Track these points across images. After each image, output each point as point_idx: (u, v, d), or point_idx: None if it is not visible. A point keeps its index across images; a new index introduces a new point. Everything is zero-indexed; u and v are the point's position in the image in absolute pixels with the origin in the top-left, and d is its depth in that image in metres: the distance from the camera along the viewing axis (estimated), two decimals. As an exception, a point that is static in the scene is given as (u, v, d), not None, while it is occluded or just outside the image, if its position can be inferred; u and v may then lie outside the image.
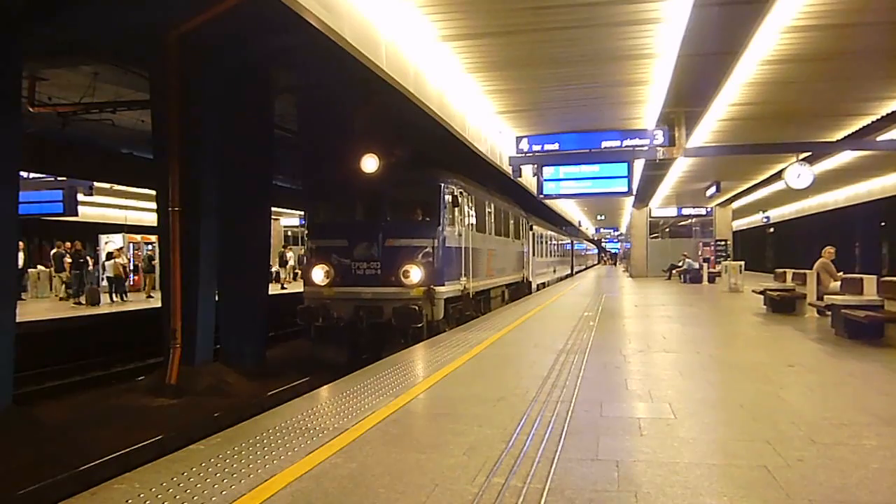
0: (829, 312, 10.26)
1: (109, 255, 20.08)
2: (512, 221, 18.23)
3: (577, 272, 43.23)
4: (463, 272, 12.16)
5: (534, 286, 22.47)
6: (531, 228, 21.95)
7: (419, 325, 10.55)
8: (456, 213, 11.94)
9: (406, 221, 11.68)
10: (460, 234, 12.13)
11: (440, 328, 10.95)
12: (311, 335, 11.23)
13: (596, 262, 72.08)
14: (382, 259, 11.03)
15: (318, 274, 11.32)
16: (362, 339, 11.10)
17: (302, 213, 27.17)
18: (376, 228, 11.29)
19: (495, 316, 13.66)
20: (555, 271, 30.65)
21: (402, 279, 10.91)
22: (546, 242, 27.06)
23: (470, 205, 13.11)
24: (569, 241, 39.59)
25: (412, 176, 11.99)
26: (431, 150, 14.18)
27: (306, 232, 12.93)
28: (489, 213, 14.98)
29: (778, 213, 40.98)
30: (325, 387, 6.36)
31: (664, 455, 4.07)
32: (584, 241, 58.38)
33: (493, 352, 8.51)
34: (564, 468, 3.83)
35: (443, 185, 11.59)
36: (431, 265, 11.06)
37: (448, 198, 11.57)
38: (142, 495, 3.48)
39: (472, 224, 13.11)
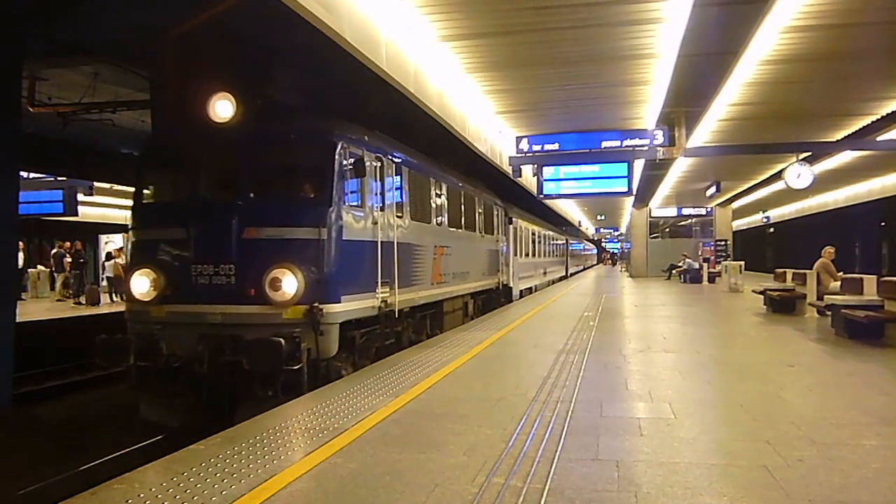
0: (829, 312, 10.26)
1: (109, 256, 20.09)
2: (481, 211, 14.38)
3: (572, 274, 41.06)
4: (380, 280, 7.97)
5: (515, 293, 18.73)
6: (511, 222, 18.28)
7: (295, 367, 6.50)
8: (366, 189, 7.80)
9: (278, 200, 7.53)
10: (375, 222, 7.93)
11: (335, 371, 7.10)
12: (131, 378, 7.05)
13: (595, 263, 71.67)
14: (239, 259, 6.85)
15: (140, 284, 7.09)
16: (212, 386, 6.78)
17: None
18: (230, 211, 7.00)
19: (491, 318, 13.65)
20: (545, 273, 27.21)
21: (269, 292, 6.71)
22: (534, 240, 23.51)
23: (397, 178, 9.04)
24: (563, 240, 36.30)
25: (289, 128, 7.57)
26: (385, 114, 10.75)
27: (129, 221, 8.22)
28: (438, 195, 11.00)
29: (778, 213, 40.98)
30: (325, 387, 6.37)
31: (664, 455, 4.08)
32: (582, 240, 56.98)
33: (493, 352, 8.52)
34: (564, 468, 3.83)
35: (340, 142, 7.37)
36: (318, 269, 6.91)
37: (347, 163, 7.42)
38: (142, 495, 3.48)
39: (401, 208, 9.08)
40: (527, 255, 21.88)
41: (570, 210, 36.79)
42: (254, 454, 4.15)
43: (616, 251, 75.65)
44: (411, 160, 9.73)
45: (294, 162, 7.76)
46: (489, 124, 14.31)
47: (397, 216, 8.82)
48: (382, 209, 8.30)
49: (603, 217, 43.55)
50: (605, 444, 4.31)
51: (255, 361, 6.48)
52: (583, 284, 28.64)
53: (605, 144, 14.60)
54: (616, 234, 65.55)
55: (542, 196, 15.94)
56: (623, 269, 48.82)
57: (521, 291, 19.98)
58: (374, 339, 8.26)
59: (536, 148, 14.83)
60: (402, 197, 9.20)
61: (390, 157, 8.73)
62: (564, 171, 15.40)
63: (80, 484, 5.11)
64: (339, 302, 7.09)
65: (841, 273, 12.02)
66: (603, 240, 79.16)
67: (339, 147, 7.37)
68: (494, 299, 16.25)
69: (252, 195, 7.33)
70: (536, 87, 11.75)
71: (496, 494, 3.43)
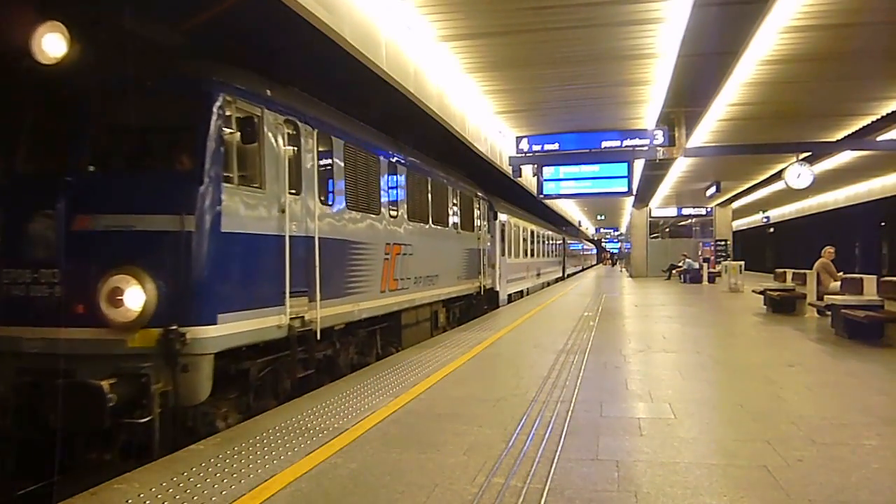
0: (829, 312, 10.26)
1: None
2: (456, 203, 12.21)
3: (570, 275, 38.98)
4: (289, 289, 5.85)
5: (503, 297, 16.56)
6: (496, 217, 15.95)
7: (141, 421, 4.61)
8: (265, 162, 5.69)
9: (124, 175, 5.40)
10: (282, 210, 5.83)
11: (207, 423, 5.14)
12: None
13: (594, 263, 71.20)
14: (66, 261, 4.87)
15: None
16: (30, 446, 4.77)
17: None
18: (54, 192, 4.95)
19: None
20: (538, 275, 24.92)
21: (106, 309, 4.73)
22: (525, 238, 21.36)
23: (322, 152, 6.75)
24: (559, 239, 33.74)
25: (146, 72, 5.21)
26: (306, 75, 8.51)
27: None
28: (394, 180, 8.87)
29: (778, 213, 40.99)
30: (325, 387, 6.36)
31: (664, 455, 4.07)
32: (581, 240, 55.55)
33: (493, 352, 8.52)
34: (564, 468, 3.83)
35: (219, 94, 5.28)
36: (180, 275, 4.90)
37: (232, 123, 5.35)
38: (142, 495, 3.48)
39: (329, 192, 6.93)
40: (517, 255, 19.73)
41: (570, 210, 36.79)
42: (254, 454, 4.15)
43: (616, 251, 75.60)
44: (349, 131, 7.48)
45: (151, 120, 5.42)
46: (489, 124, 14.31)
47: (323, 203, 6.54)
48: (297, 193, 6.09)
49: (603, 217, 43.55)
50: (605, 444, 4.31)
51: (65, 416, 4.36)
52: (582, 285, 28.63)
53: (605, 144, 14.62)
54: (616, 234, 65.57)
55: (542, 196, 15.96)
56: (622, 269, 48.83)
57: (509, 296, 17.92)
58: (282, 371, 6.05)
59: (536, 148, 14.85)
60: (331, 178, 6.87)
61: (309, 123, 6.38)
62: (564, 171, 15.43)
63: None
64: (215, 323, 4.95)
65: (841, 273, 12.02)
66: (603, 240, 79.14)
67: (218, 100, 5.19)
68: (476, 306, 14.13)
69: (90, 168, 5.14)
70: (536, 87, 11.75)
71: (496, 494, 3.43)
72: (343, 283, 7.12)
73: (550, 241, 29.22)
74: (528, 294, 21.55)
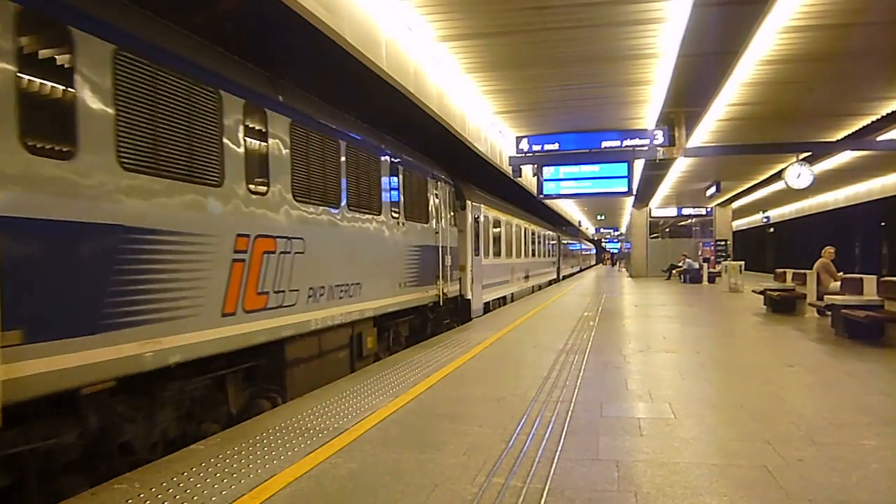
0: (829, 312, 10.26)
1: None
2: (398, 182, 9.32)
3: (565, 277, 36.22)
4: None
5: (476, 306, 13.59)
6: (464, 207, 13.14)
7: None
8: None
9: None
10: None
11: None
12: None
13: (594, 263, 70.75)
14: None
15: None
16: None
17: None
18: None
19: (495, 317, 13.65)
20: (526, 278, 21.80)
21: None
22: (508, 234, 18.43)
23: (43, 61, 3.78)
24: (553, 236, 31.08)
25: None
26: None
27: None
28: (250, 130, 5.77)
29: (778, 213, 41.00)
30: (325, 387, 6.37)
31: (664, 455, 4.08)
32: (580, 240, 53.66)
33: (493, 352, 8.51)
34: (564, 468, 3.83)
35: None
36: None
37: None
38: (142, 495, 3.48)
39: (70, 129, 3.90)
40: (498, 254, 16.85)
41: (571, 210, 36.79)
42: (254, 454, 4.15)
43: (616, 251, 75.54)
44: (123, 29, 4.40)
45: None
46: (489, 124, 14.32)
47: (31, 149, 3.63)
48: None
49: (603, 217, 43.54)
50: (604, 444, 4.31)
51: None
52: (582, 285, 28.61)
53: (605, 144, 14.62)
54: (616, 234, 65.58)
55: (542, 196, 15.94)
56: (620, 269, 48.78)
57: (487, 304, 14.96)
58: None
59: (536, 148, 14.85)
60: (70, 113, 3.93)
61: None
62: (564, 171, 15.41)
63: None
64: None
65: (841, 273, 12.02)
66: (603, 240, 79.12)
67: None
68: (435, 321, 11.28)
69: None
70: (536, 87, 11.75)
71: (496, 494, 3.43)
72: (98, 302, 4.01)
73: (542, 239, 26.79)
74: (512, 300, 18.50)
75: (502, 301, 17.42)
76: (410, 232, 9.78)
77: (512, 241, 19.02)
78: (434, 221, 10.93)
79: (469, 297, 13.06)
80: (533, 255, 23.72)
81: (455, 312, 12.56)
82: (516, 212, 20.42)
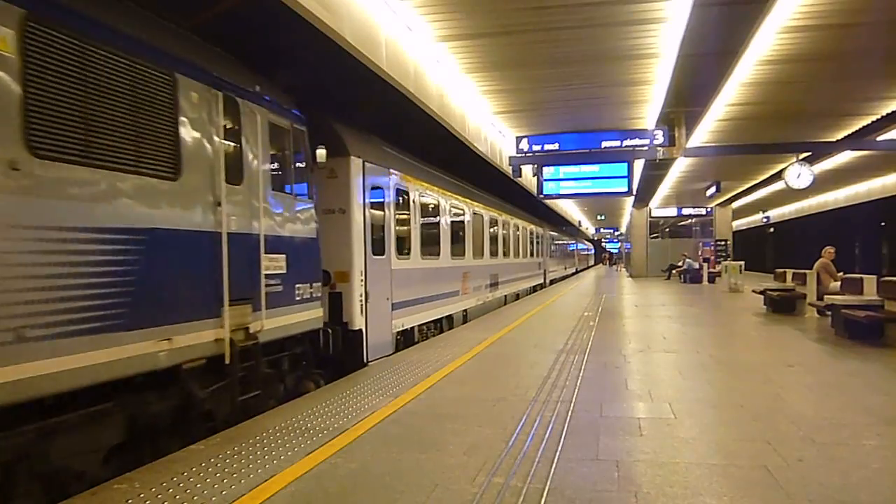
0: (829, 312, 10.26)
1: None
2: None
3: (554, 281, 30.07)
4: None
5: (377, 341, 8.42)
6: (364, 173, 8.26)
7: None
8: None
9: None
10: None
11: None
12: None
13: (592, 264, 69.89)
14: None
15: None
16: None
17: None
18: None
19: (496, 316, 13.64)
20: (493, 286, 15.96)
21: None
22: (462, 225, 13.23)
23: None
24: (537, 232, 24.97)
25: None
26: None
27: None
28: None
29: (778, 213, 41.01)
30: (325, 387, 6.37)
31: (664, 455, 4.07)
32: (578, 238, 49.63)
33: (493, 351, 8.51)
34: (564, 468, 3.83)
35: None
36: None
37: None
38: (142, 495, 3.48)
39: None
40: (432, 253, 11.15)
41: (571, 210, 36.79)
42: (254, 454, 4.15)
43: (616, 251, 75.46)
44: None
45: None
46: (489, 124, 14.32)
47: None
48: None
49: (603, 217, 43.49)
50: (605, 444, 4.31)
51: None
52: (582, 285, 28.60)
53: (605, 144, 14.63)
54: (616, 234, 65.58)
55: (542, 196, 15.94)
56: (619, 269, 48.70)
57: (408, 333, 9.74)
58: None
59: (536, 148, 14.86)
60: None
61: None
62: (564, 170, 15.43)
63: None
64: None
65: (841, 273, 12.02)
66: (603, 240, 79.08)
67: None
68: (216, 397, 5.20)
69: None
70: (536, 87, 11.75)
71: (496, 494, 3.43)
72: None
73: (522, 234, 20.86)
74: (467, 320, 13.17)
75: (441, 325, 11.57)
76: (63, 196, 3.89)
77: (466, 235, 13.42)
78: (202, 176, 5.10)
79: (359, 325, 7.95)
80: (505, 254, 17.90)
81: (319, 357, 7.23)
82: (474, 193, 14.75)
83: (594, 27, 8.76)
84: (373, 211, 8.52)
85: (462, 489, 3.51)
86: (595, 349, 8.50)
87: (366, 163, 8.28)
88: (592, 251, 72.47)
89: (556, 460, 3.96)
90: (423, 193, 10.70)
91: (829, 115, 13.98)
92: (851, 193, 29.00)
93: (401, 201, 9.63)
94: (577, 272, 44.73)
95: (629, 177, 15.05)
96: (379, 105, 12.52)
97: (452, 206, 12.50)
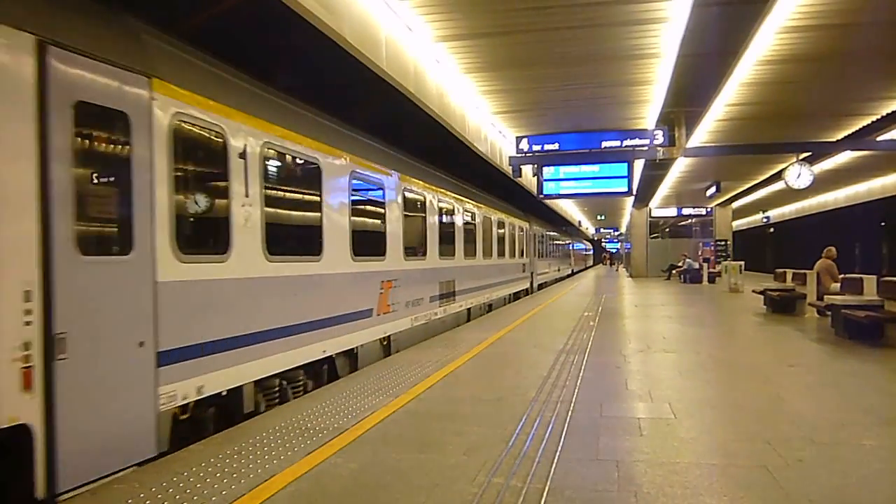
0: (830, 312, 10.26)
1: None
2: None
3: (542, 286, 26.05)
4: None
5: (75, 465, 3.56)
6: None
7: None
8: None
9: None
10: None
11: None
12: None
13: (591, 264, 69.45)
14: None
15: None
16: None
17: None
18: None
19: (496, 316, 13.64)
20: (447, 296, 11.71)
21: None
22: (392, 214, 8.94)
23: None
24: (522, 228, 21.13)
25: None
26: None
27: None
28: None
29: (778, 213, 41.00)
30: (325, 387, 6.37)
31: (664, 455, 4.07)
32: (577, 238, 47.60)
33: (493, 351, 8.51)
34: (564, 468, 3.83)
35: None
36: None
37: None
38: (142, 495, 3.48)
39: None
40: (305, 248, 6.58)
41: (571, 210, 36.78)
42: (254, 454, 4.15)
43: (616, 251, 75.40)
44: None
45: None
46: (489, 124, 14.32)
47: None
48: None
49: (603, 217, 43.45)
50: (605, 444, 4.31)
51: None
52: (581, 286, 28.59)
53: (605, 144, 14.62)
54: (616, 234, 65.57)
55: (542, 196, 15.94)
56: (617, 269, 48.65)
57: (225, 394, 5.06)
58: None
59: (536, 148, 14.85)
60: None
61: None
62: (564, 170, 15.42)
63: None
64: None
65: (841, 275, 12.02)
66: (603, 240, 79.03)
67: None
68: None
69: None
70: (536, 87, 11.75)
71: (496, 494, 3.43)
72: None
73: (498, 229, 16.95)
74: (390, 351, 8.82)
75: (343, 362, 7.43)
76: None
77: (389, 225, 8.86)
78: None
79: (23, 418, 3.47)
80: (468, 254, 13.56)
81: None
82: (416, 168, 10.47)
83: (594, 27, 8.76)
84: (76, 163, 3.82)
85: (462, 489, 3.51)
86: (595, 349, 8.50)
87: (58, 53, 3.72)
88: (592, 251, 72.25)
89: (555, 460, 3.96)
90: (270, 142, 5.77)
91: (829, 115, 13.97)
92: (851, 193, 29.00)
93: (202, 151, 5.08)
94: (573, 274, 40.66)
95: (629, 177, 15.05)
96: (380, 104, 12.53)
97: (357, 176, 7.72)
